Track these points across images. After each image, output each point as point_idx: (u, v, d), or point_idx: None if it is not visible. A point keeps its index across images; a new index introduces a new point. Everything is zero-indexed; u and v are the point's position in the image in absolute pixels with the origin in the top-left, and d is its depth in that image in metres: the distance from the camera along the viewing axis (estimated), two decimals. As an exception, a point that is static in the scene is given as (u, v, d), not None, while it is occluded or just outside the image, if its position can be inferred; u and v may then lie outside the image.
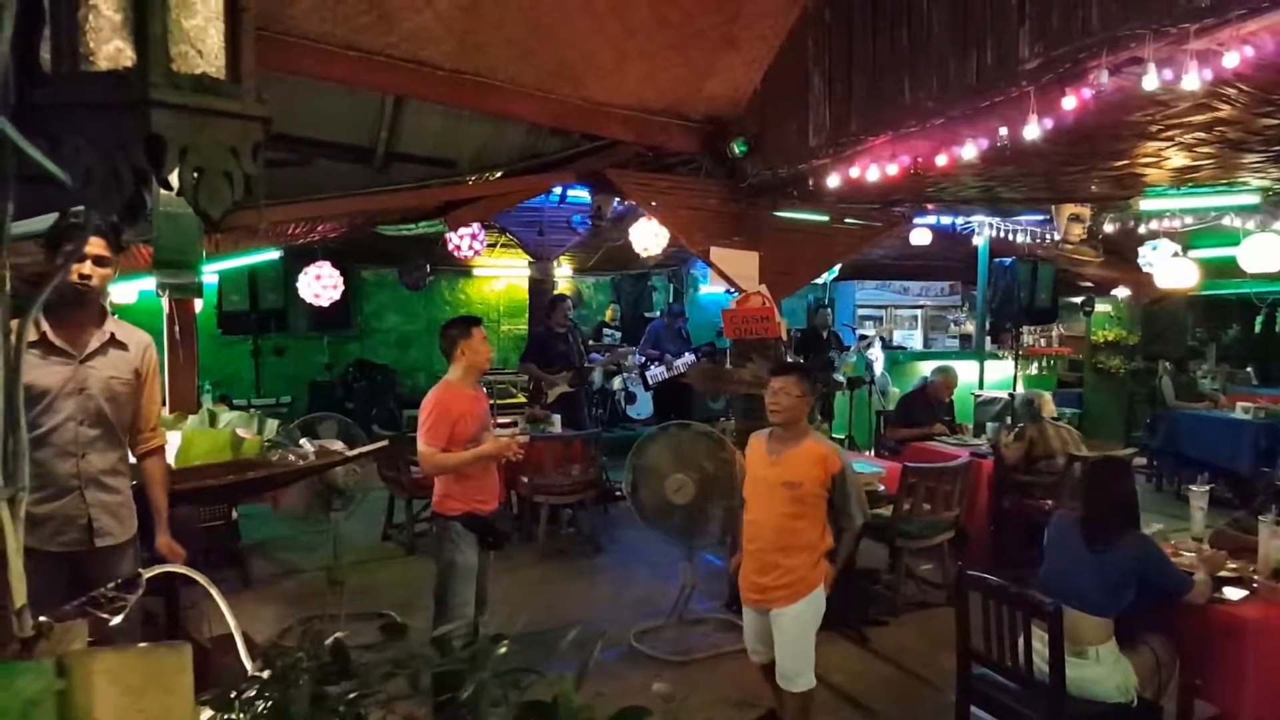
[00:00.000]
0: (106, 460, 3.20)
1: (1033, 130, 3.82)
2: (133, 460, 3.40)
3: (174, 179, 0.91)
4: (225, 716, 1.03)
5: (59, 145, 0.87)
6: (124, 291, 6.44)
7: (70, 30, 0.90)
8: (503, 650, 1.06)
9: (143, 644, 1.02)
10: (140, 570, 1.55)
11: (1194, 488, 4.33)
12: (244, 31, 0.96)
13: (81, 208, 1.22)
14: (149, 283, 5.42)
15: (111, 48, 0.89)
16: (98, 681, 0.86)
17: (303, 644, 1.23)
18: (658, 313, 13.71)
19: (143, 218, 0.95)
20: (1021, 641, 3.46)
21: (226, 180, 0.94)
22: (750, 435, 4.25)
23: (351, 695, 1.04)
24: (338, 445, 4.59)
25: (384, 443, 5.03)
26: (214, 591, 1.62)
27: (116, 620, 1.48)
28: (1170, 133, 4.57)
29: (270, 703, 1.02)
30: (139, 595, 1.53)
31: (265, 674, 1.17)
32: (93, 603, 1.52)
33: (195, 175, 0.92)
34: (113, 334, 3.23)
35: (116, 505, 3.23)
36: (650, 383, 10.88)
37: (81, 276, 3.01)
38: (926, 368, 11.99)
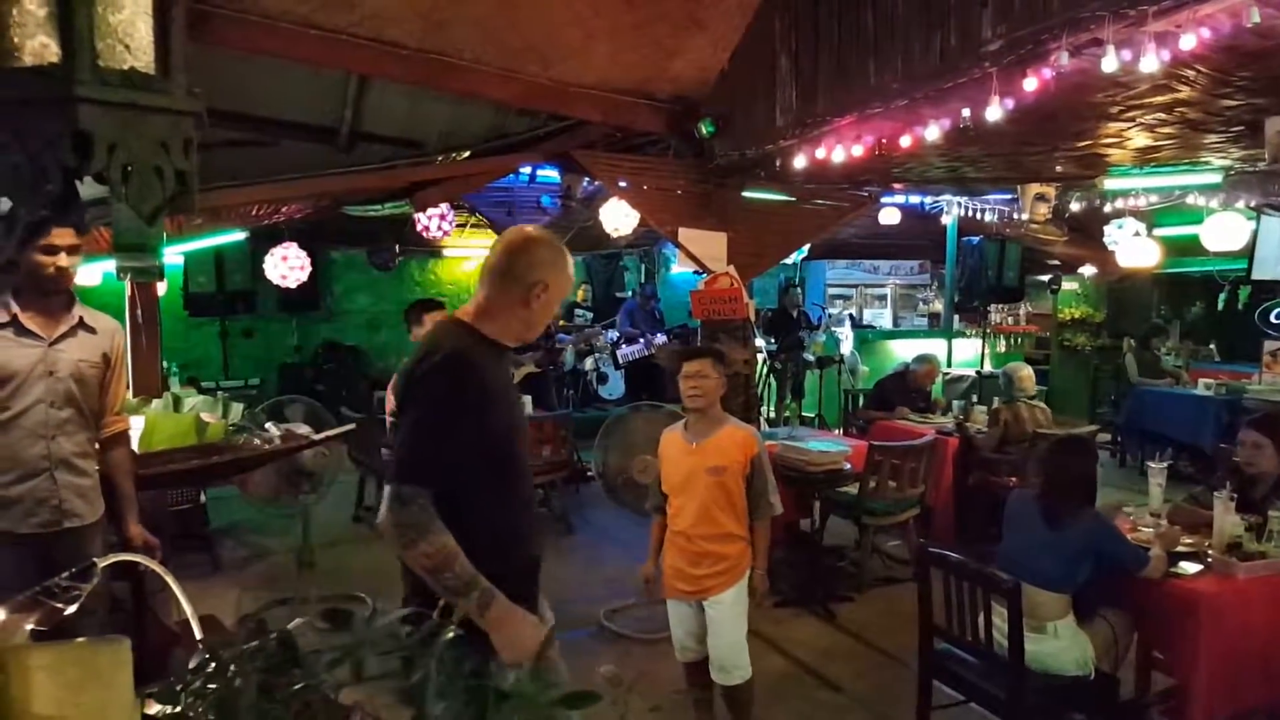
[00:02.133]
0: (76, 443, 3.20)
1: (995, 111, 3.86)
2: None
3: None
4: (172, 709, 1.03)
5: (-15, 142, 0.87)
6: (87, 274, 6.37)
7: (-6, 25, 0.89)
8: (449, 634, 1.07)
9: (80, 639, 1.02)
10: (95, 560, 1.54)
11: (1152, 464, 4.38)
12: (174, 24, 0.95)
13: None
14: (111, 264, 5.36)
15: (36, 43, 0.88)
16: (36, 676, 0.86)
17: (249, 634, 1.23)
18: (629, 292, 13.70)
19: (75, 211, 0.94)
20: (982, 617, 3.52)
21: (157, 176, 0.93)
22: (662, 433, 4.03)
23: (297, 686, 1.05)
24: (304, 429, 4.57)
25: (350, 427, 5.01)
26: (169, 579, 1.62)
27: (70, 610, 1.48)
28: (1131, 113, 4.62)
29: (217, 694, 1.02)
30: (94, 583, 1.52)
31: (211, 665, 1.17)
32: (47, 592, 1.51)
33: (124, 171, 0.91)
34: (81, 318, 3.24)
35: (86, 488, 3.23)
36: (621, 362, 10.89)
37: (58, 269, 3.02)
38: (896, 346, 12.10)
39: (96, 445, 3.37)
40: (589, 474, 8.23)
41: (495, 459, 2.29)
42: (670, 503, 3.87)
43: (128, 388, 4.52)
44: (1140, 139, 5.23)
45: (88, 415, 3.25)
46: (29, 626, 1.18)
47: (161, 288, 5.82)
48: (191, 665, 1.21)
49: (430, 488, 2.12)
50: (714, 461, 3.69)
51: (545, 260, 2.34)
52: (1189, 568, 3.75)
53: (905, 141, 4.67)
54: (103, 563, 1.55)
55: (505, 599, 2.13)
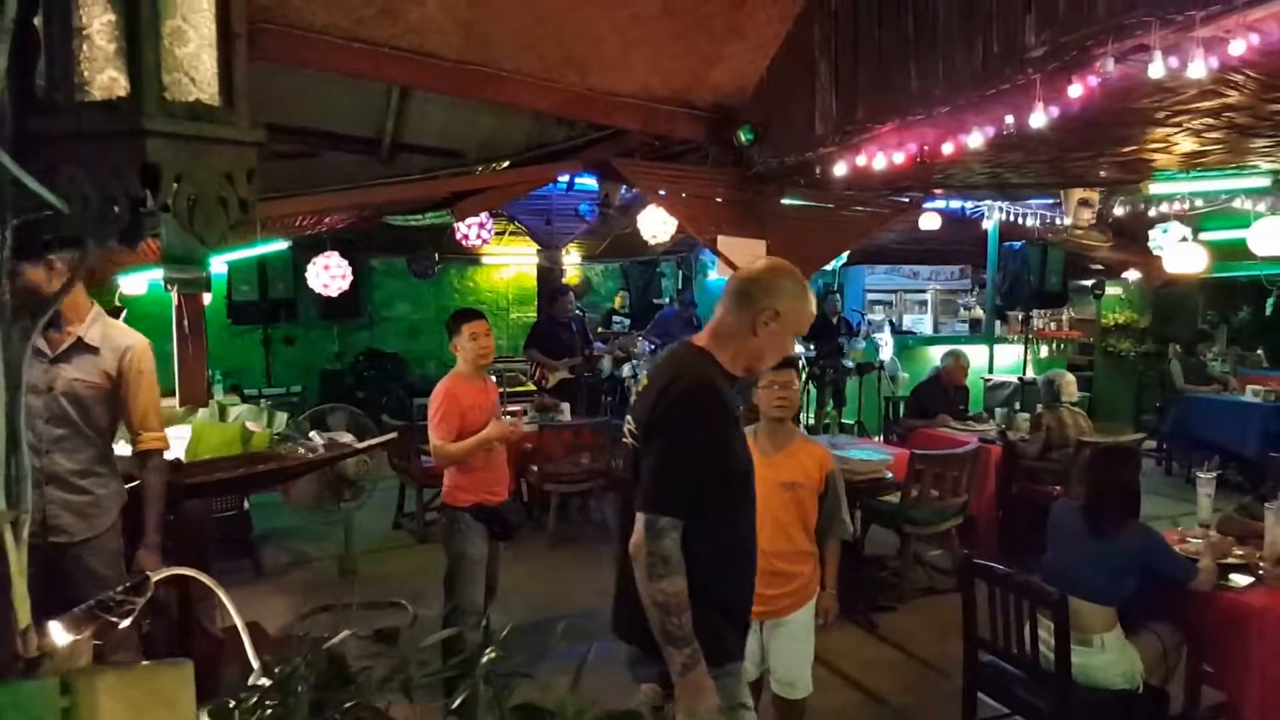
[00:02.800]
0: (75, 461, 3.21)
1: (1039, 118, 3.81)
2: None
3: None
4: (228, 725, 1.05)
5: (55, 174, 0.89)
6: (134, 283, 6.49)
7: (64, 60, 0.92)
8: (492, 655, 1.08)
9: (145, 662, 1.03)
10: (148, 574, 1.57)
11: (1201, 474, 4.31)
12: (237, 57, 0.97)
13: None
14: (158, 274, 5.46)
15: (105, 77, 0.90)
16: (102, 700, 0.88)
17: (302, 651, 1.25)
18: (667, 299, 13.71)
19: (141, 240, 0.96)
20: (1027, 630, 3.48)
21: (221, 206, 0.95)
22: None
23: (348, 704, 1.06)
24: (347, 437, 4.62)
25: (393, 435, 5.06)
26: (220, 593, 1.64)
27: (125, 624, 1.50)
28: (1178, 119, 4.54)
29: (269, 712, 1.04)
30: (146, 598, 1.55)
31: (265, 682, 1.19)
32: (102, 605, 1.54)
33: (190, 202, 0.93)
34: (80, 338, 3.23)
35: (83, 505, 3.22)
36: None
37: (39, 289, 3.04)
38: (936, 352, 11.97)
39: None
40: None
41: (735, 489, 2.31)
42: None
43: (172, 395, 4.57)
44: (1187, 144, 5.14)
45: (91, 434, 3.25)
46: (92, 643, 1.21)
47: (206, 298, 5.91)
48: (250, 682, 1.23)
49: (682, 518, 2.16)
50: (790, 477, 3.57)
51: (778, 287, 2.32)
52: (1240, 580, 3.69)
53: (947, 149, 4.63)
54: (156, 576, 1.58)
55: (705, 667, 2.16)
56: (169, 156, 0.94)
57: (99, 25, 0.90)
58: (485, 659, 1.10)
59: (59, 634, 1.39)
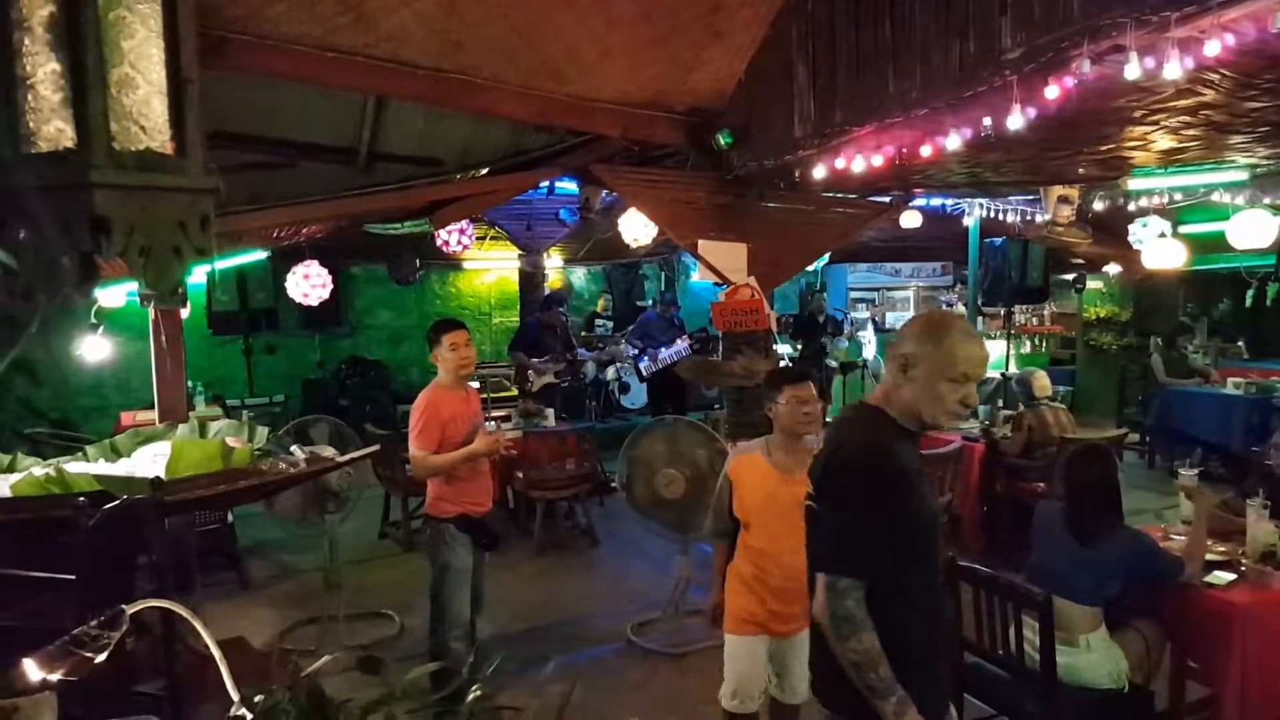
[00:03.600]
0: None
1: (1016, 119, 3.82)
2: None
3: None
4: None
5: (4, 228, 0.86)
6: (111, 296, 6.42)
7: (9, 112, 0.88)
8: (478, 693, 1.06)
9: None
10: (123, 606, 1.55)
11: (1183, 471, 4.31)
12: (189, 102, 0.94)
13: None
14: (135, 285, 5.40)
15: (52, 128, 0.87)
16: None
17: (283, 680, 1.23)
18: (650, 301, 13.68)
19: (94, 286, 0.94)
20: (1012, 631, 3.48)
21: (175, 254, 0.93)
22: (736, 451, 3.76)
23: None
24: (329, 451, 4.57)
25: (375, 448, 5.01)
26: (198, 625, 1.62)
27: (100, 658, 1.48)
28: (1155, 117, 4.56)
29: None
30: (121, 632, 1.53)
31: (245, 714, 1.17)
32: (76, 641, 1.52)
33: (143, 252, 0.91)
34: None
35: None
36: (644, 373, 10.88)
37: None
38: (919, 350, 11.98)
39: None
40: (613, 485, 8.22)
41: (917, 547, 2.29)
42: (751, 532, 3.55)
43: (152, 409, 4.51)
44: (1164, 141, 5.16)
45: None
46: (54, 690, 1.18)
47: (184, 311, 5.85)
48: (230, 715, 1.22)
49: (863, 579, 2.17)
50: None
51: (914, 333, 2.30)
52: (1223, 577, 3.71)
53: (925, 151, 4.64)
54: (131, 609, 1.55)
55: (916, 711, 2.16)
56: (119, 208, 0.91)
57: (44, 74, 0.87)
58: (471, 697, 1.08)
59: (32, 675, 1.37)
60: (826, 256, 11.16)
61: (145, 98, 0.91)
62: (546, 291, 11.28)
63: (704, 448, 5.34)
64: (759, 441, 3.70)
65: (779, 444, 3.58)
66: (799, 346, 10.61)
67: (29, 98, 0.87)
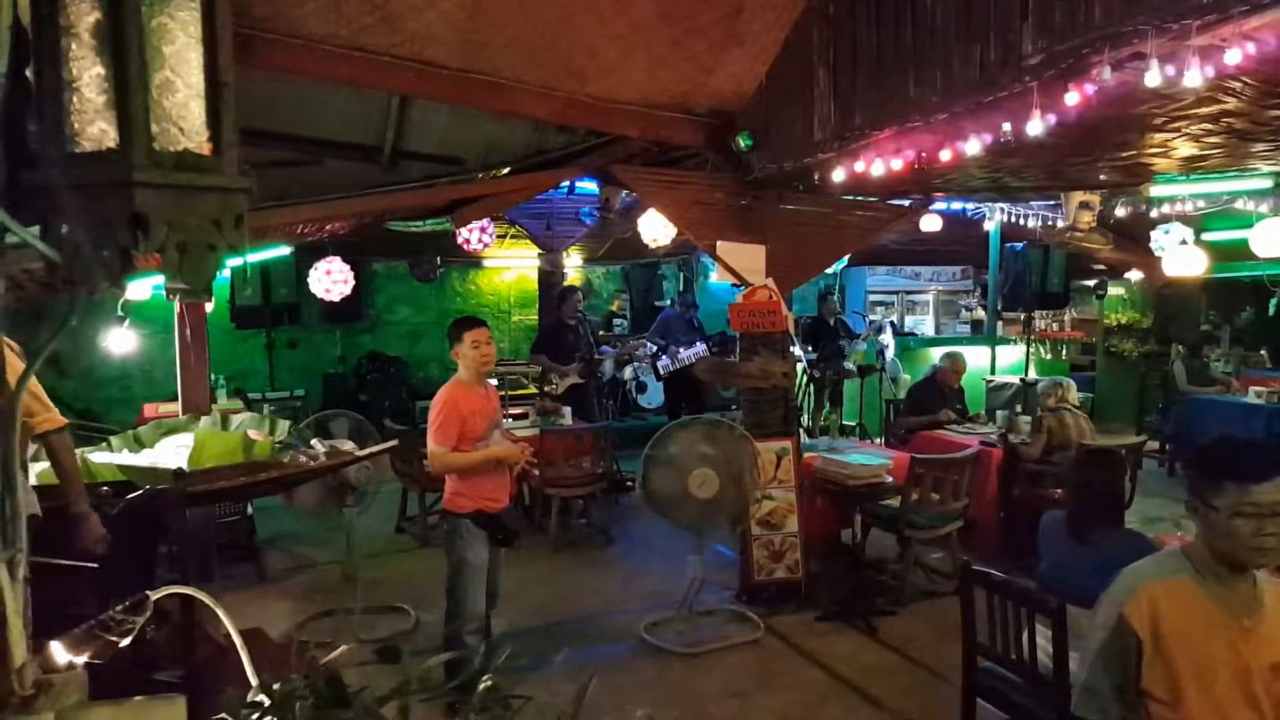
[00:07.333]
0: None
1: (1036, 125, 3.81)
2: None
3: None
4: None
5: (48, 224, 0.91)
6: (137, 289, 6.50)
7: (55, 113, 0.93)
8: (489, 684, 1.09)
9: (138, 697, 1.05)
10: (148, 592, 1.59)
11: (1201, 480, 4.30)
12: (225, 105, 0.99)
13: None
14: (161, 279, 5.47)
15: (95, 129, 0.92)
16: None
17: (301, 667, 1.26)
18: (668, 301, 13.71)
19: (129, 279, 0.98)
20: (1025, 637, 3.49)
21: (210, 251, 0.97)
22: (1138, 579, 2.46)
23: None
24: (348, 445, 4.64)
25: (393, 443, 5.08)
26: (219, 611, 1.66)
27: (124, 642, 1.53)
28: (1176, 124, 4.54)
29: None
30: (146, 617, 1.57)
31: (264, 701, 1.20)
32: (101, 625, 1.56)
33: (179, 248, 0.95)
34: None
35: None
36: (662, 373, 10.91)
37: None
38: (938, 354, 11.97)
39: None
40: (629, 484, 8.26)
41: None
42: (1183, 707, 2.31)
43: (175, 401, 4.60)
44: (1186, 149, 5.14)
45: None
46: (85, 671, 1.22)
47: (209, 306, 5.93)
48: (249, 699, 1.25)
49: None
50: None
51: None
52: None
53: (945, 155, 4.64)
54: (155, 595, 1.60)
55: None
56: (157, 206, 0.95)
57: (89, 78, 0.92)
58: (482, 687, 1.11)
59: (59, 657, 1.42)
60: (845, 259, 11.15)
61: (184, 100, 0.95)
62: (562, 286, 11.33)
63: (741, 452, 5.37)
64: (1170, 556, 2.50)
65: (1205, 560, 2.35)
66: (811, 349, 10.58)
67: (74, 100, 0.91)
